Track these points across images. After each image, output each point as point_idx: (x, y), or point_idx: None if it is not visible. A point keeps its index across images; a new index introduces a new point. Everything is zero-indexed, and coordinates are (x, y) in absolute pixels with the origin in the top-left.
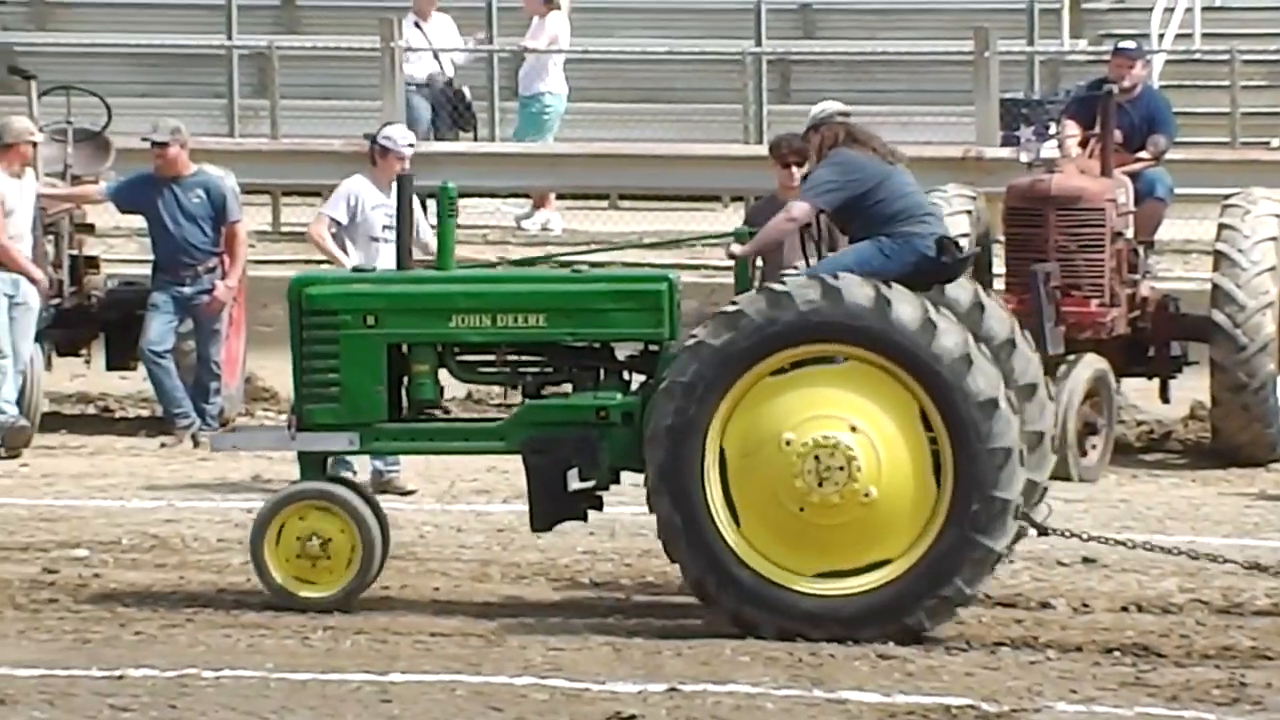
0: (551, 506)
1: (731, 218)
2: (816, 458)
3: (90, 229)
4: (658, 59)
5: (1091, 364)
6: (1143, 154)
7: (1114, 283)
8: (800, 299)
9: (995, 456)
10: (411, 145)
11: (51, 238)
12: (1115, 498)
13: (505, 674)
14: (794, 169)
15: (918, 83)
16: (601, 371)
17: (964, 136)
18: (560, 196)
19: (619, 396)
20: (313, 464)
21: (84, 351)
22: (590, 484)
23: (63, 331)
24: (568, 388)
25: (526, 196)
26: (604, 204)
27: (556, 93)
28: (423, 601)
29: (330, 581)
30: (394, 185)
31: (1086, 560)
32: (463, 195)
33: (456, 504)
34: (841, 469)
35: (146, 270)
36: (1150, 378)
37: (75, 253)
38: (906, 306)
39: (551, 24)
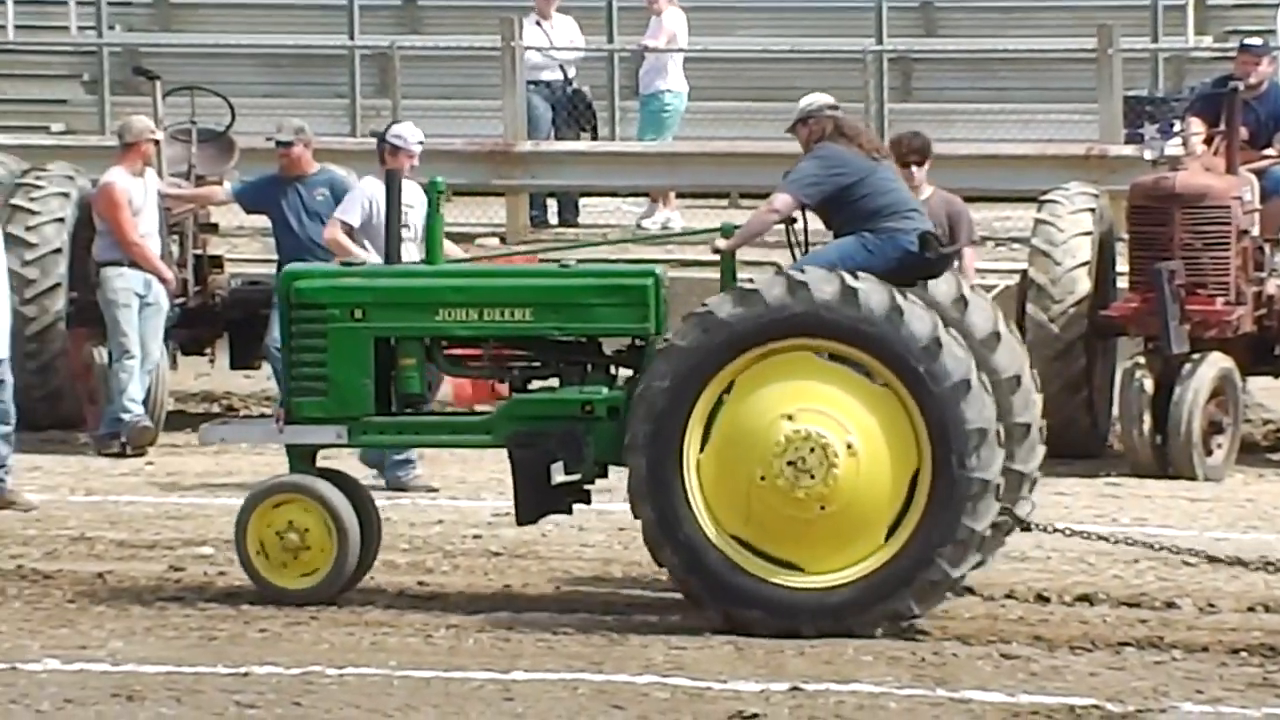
0: (536, 500)
1: None
2: (794, 451)
3: (214, 229)
4: (778, 57)
5: (1216, 363)
6: (1269, 151)
7: (1239, 281)
8: (768, 296)
9: (971, 438)
10: (421, 143)
11: (176, 238)
12: (1241, 497)
13: (627, 672)
14: (914, 168)
15: (1040, 80)
16: (588, 366)
17: (1087, 134)
18: (680, 195)
19: (605, 391)
20: (301, 457)
21: (208, 351)
22: (575, 477)
23: (187, 331)
24: (555, 382)
25: (647, 195)
26: (724, 203)
27: (677, 91)
28: (545, 599)
29: (310, 574)
30: (407, 184)
31: (1211, 560)
32: (583, 195)
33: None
34: (819, 461)
35: (270, 270)
36: (1276, 376)
37: (200, 252)
38: (875, 296)
39: (669, 22)
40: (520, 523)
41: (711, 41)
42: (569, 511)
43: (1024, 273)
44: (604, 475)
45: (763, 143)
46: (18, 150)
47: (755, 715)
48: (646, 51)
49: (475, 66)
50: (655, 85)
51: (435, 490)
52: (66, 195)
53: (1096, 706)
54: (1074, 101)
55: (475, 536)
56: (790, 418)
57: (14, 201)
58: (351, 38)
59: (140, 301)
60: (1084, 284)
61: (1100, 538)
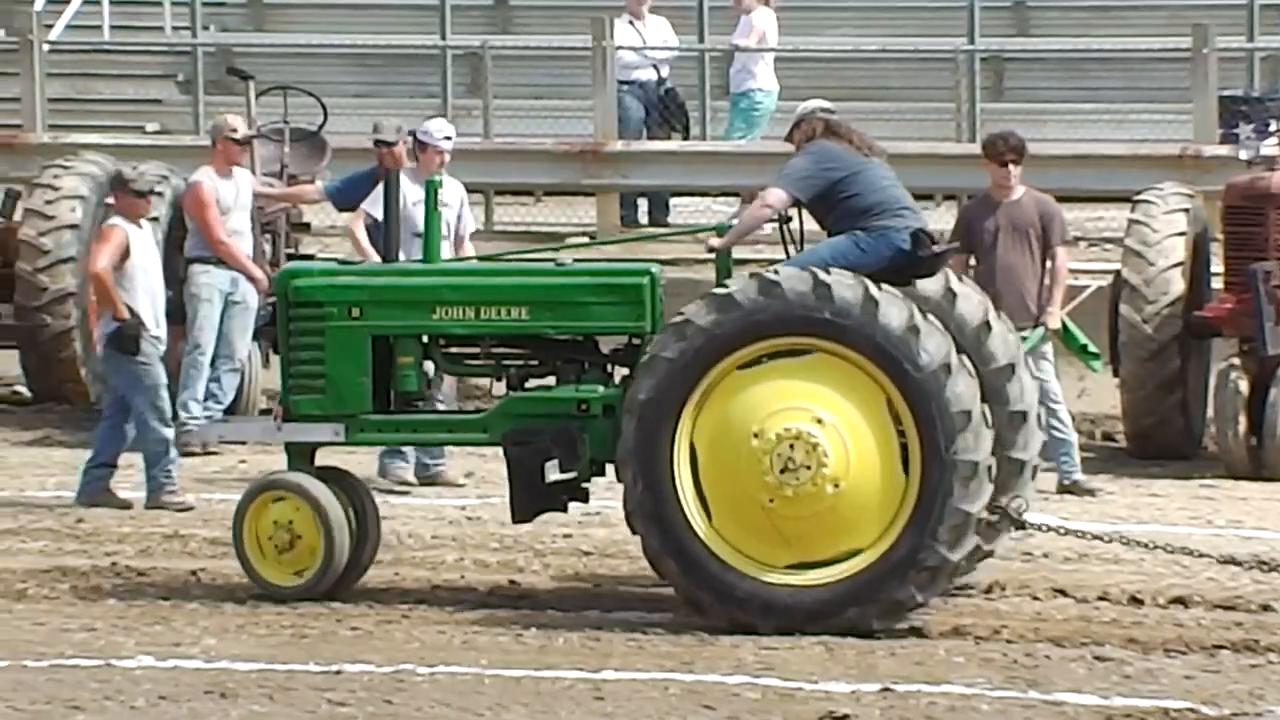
0: (530, 498)
1: (945, 217)
2: (783, 451)
3: (306, 228)
4: (869, 57)
5: None
6: None
7: None
8: (742, 297)
9: (965, 469)
10: (449, 138)
11: (269, 236)
12: None
13: (718, 672)
14: (1009, 167)
15: (1134, 80)
16: (584, 364)
17: (1181, 134)
18: None
19: (600, 389)
20: (299, 454)
21: None
22: (570, 475)
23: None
24: (552, 380)
25: (737, 195)
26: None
27: (767, 90)
28: (635, 599)
29: (301, 571)
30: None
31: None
32: (674, 194)
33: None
34: (808, 463)
35: None
36: None
37: (292, 251)
38: (848, 291)
39: (759, 21)
40: (515, 520)
41: (802, 41)
42: (564, 510)
43: (1117, 273)
44: (600, 473)
45: None
46: (113, 150)
47: (846, 716)
48: (737, 51)
49: (566, 66)
50: (746, 84)
51: (462, 485)
52: (160, 194)
53: (1191, 710)
54: (1168, 101)
55: (565, 536)
56: (758, 435)
57: (110, 201)
58: (443, 37)
59: (227, 300)
60: (1178, 285)
61: (1095, 536)
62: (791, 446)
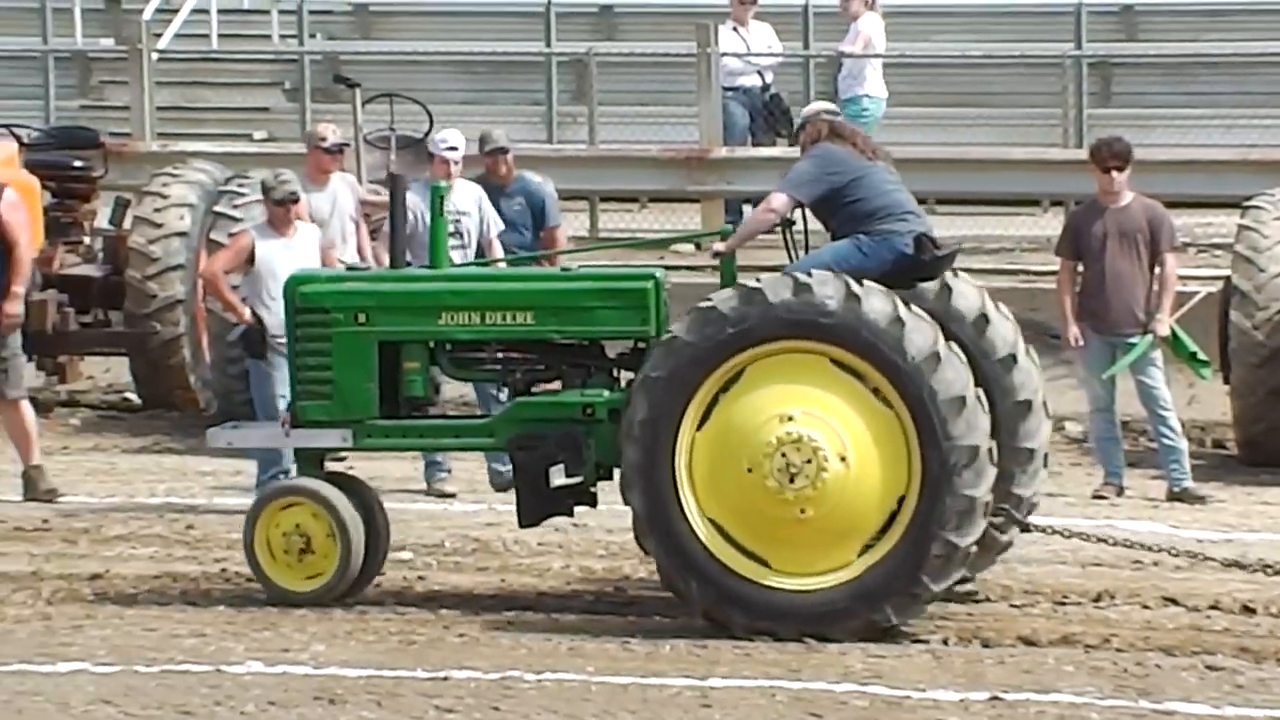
0: (536, 502)
1: (1051, 223)
2: (786, 452)
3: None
4: (976, 62)
5: None
6: None
7: None
8: (725, 308)
9: (964, 454)
10: (455, 148)
11: (376, 242)
12: None
13: (825, 680)
14: (1115, 174)
15: (1244, 84)
16: (590, 369)
17: None
18: None
19: (606, 394)
20: (308, 460)
21: None
22: (576, 480)
23: None
24: (557, 384)
25: None
26: (921, 208)
27: (875, 96)
28: None
29: (314, 577)
30: (453, 190)
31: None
32: None
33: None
34: (809, 466)
35: None
36: None
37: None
38: (829, 290)
39: (866, 27)
40: (522, 525)
41: (909, 46)
42: (570, 514)
43: (1227, 279)
44: (606, 477)
45: (960, 148)
46: (221, 158)
47: None
48: (843, 57)
49: (671, 73)
50: (854, 90)
51: (451, 495)
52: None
53: None
54: (1277, 106)
55: None
56: (791, 419)
57: (218, 208)
58: (548, 45)
59: None
60: None
61: (1100, 540)
62: (793, 452)
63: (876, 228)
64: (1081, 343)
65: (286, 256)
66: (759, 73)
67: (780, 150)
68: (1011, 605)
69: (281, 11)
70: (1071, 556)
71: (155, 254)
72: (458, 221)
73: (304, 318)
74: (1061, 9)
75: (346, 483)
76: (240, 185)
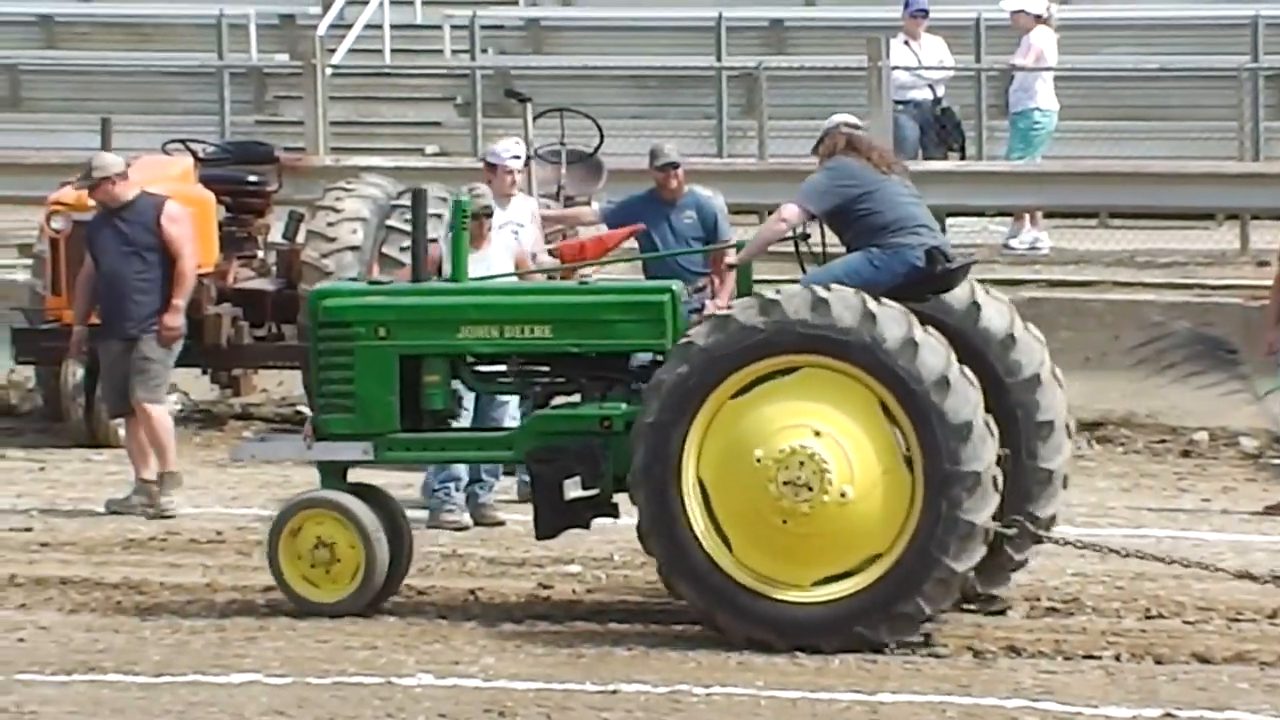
0: (553, 515)
1: (1225, 236)
2: (788, 468)
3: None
4: (1150, 75)
5: None
6: None
7: None
8: (742, 318)
9: (965, 480)
10: (517, 157)
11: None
12: None
13: (995, 696)
14: None
15: None
16: (608, 381)
17: None
18: (1048, 215)
19: (623, 406)
20: (332, 472)
21: None
22: (593, 492)
23: None
24: (577, 397)
25: (1013, 215)
26: (1093, 223)
27: (1047, 109)
28: None
29: (339, 588)
30: (513, 201)
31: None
32: (950, 214)
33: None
34: (814, 476)
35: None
36: None
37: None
38: (846, 307)
39: (1038, 40)
40: (540, 537)
41: (1081, 60)
42: (588, 526)
43: None
44: (622, 490)
45: (1133, 161)
46: (393, 172)
47: None
48: (1014, 70)
49: (841, 86)
50: (1026, 104)
51: (500, 523)
52: (440, 216)
53: None
54: None
55: None
56: (818, 434)
57: (390, 223)
58: (718, 59)
59: None
60: None
61: (1112, 551)
62: (794, 464)
63: (888, 241)
64: (1278, 349)
65: (478, 269)
66: (930, 86)
67: (952, 164)
68: (1185, 622)
69: (454, 27)
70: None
71: (328, 268)
72: (515, 234)
73: (326, 331)
74: (1238, 21)
75: (370, 494)
76: None
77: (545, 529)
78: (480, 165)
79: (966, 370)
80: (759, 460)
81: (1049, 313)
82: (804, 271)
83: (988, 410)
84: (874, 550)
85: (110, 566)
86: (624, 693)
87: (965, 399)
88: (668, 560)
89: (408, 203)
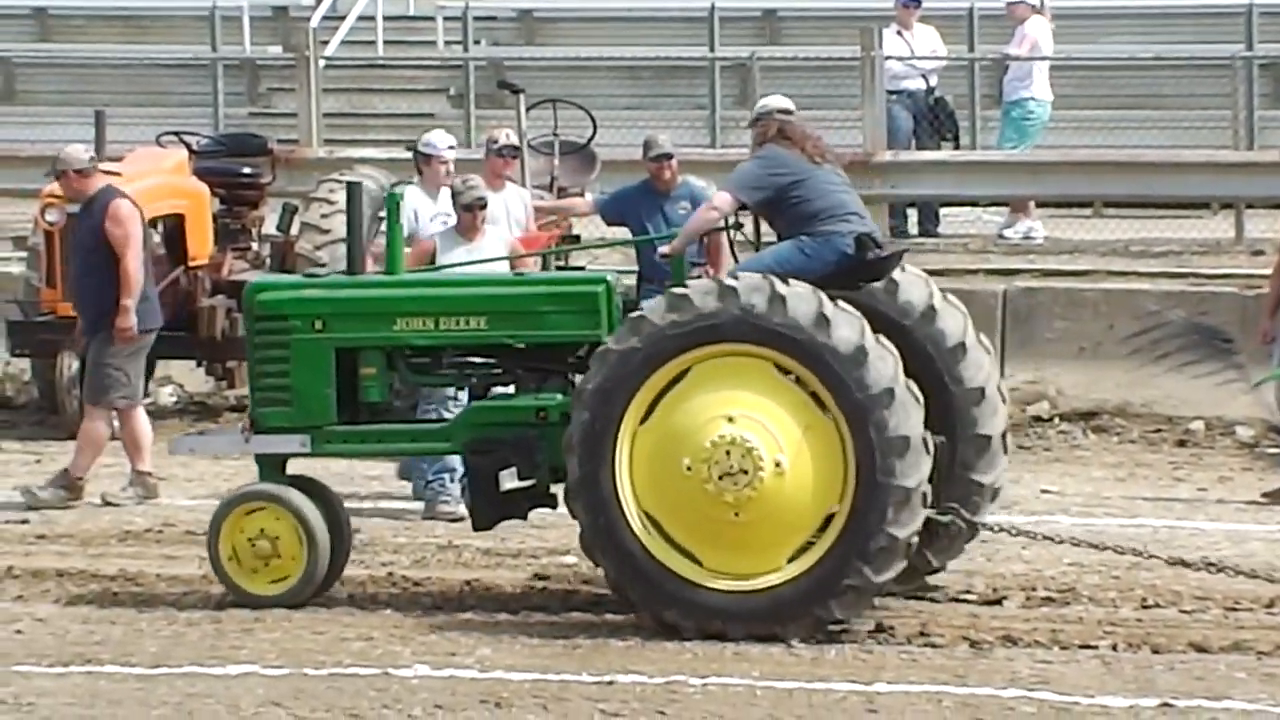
0: (489, 506)
1: (1220, 225)
2: (727, 453)
3: (576, 240)
4: (1145, 64)
5: None
6: None
7: None
8: (654, 317)
9: (895, 445)
10: (452, 148)
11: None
12: None
13: (992, 686)
14: None
15: None
16: (544, 373)
17: None
18: (1042, 205)
19: (559, 397)
20: (270, 465)
21: None
22: (528, 483)
23: None
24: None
25: (1008, 205)
26: (1088, 212)
27: (1042, 99)
28: (907, 613)
29: (281, 581)
30: (442, 192)
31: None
32: (943, 205)
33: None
34: (745, 459)
35: (631, 281)
36: None
37: (562, 264)
38: (802, 305)
39: (1033, 29)
40: (476, 528)
41: (1075, 49)
42: (524, 517)
43: None
44: (559, 480)
45: (1127, 151)
46: (386, 164)
47: None
48: (1008, 60)
49: (835, 76)
50: (1020, 93)
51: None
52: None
53: None
54: None
55: None
56: (731, 420)
57: (383, 214)
58: (712, 49)
59: None
60: None
61: (1047, 538)
62: (724, 455)
63: (819, 229)
64: (1273, 338)
65: (469, 260)
66: (923, 76)
67: (945, 154)
68: (1182, 611)
69: (447, 18)
70: (1244, 562)
71: (322, 260)
72: (446, 225)
73: (262, 325)
74: (1232, 9)
75: (309, 486)
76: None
77: (481, 520)
78: (481, 156)
79: (882, 339)
80: (689, 469)
81: (1044, 302)
82: (736, 260)
83: (918, 384)
84: (829, 505)
85: (107, 559)
86: (620, 683)
87: (884, 366)
88: (591, 527)
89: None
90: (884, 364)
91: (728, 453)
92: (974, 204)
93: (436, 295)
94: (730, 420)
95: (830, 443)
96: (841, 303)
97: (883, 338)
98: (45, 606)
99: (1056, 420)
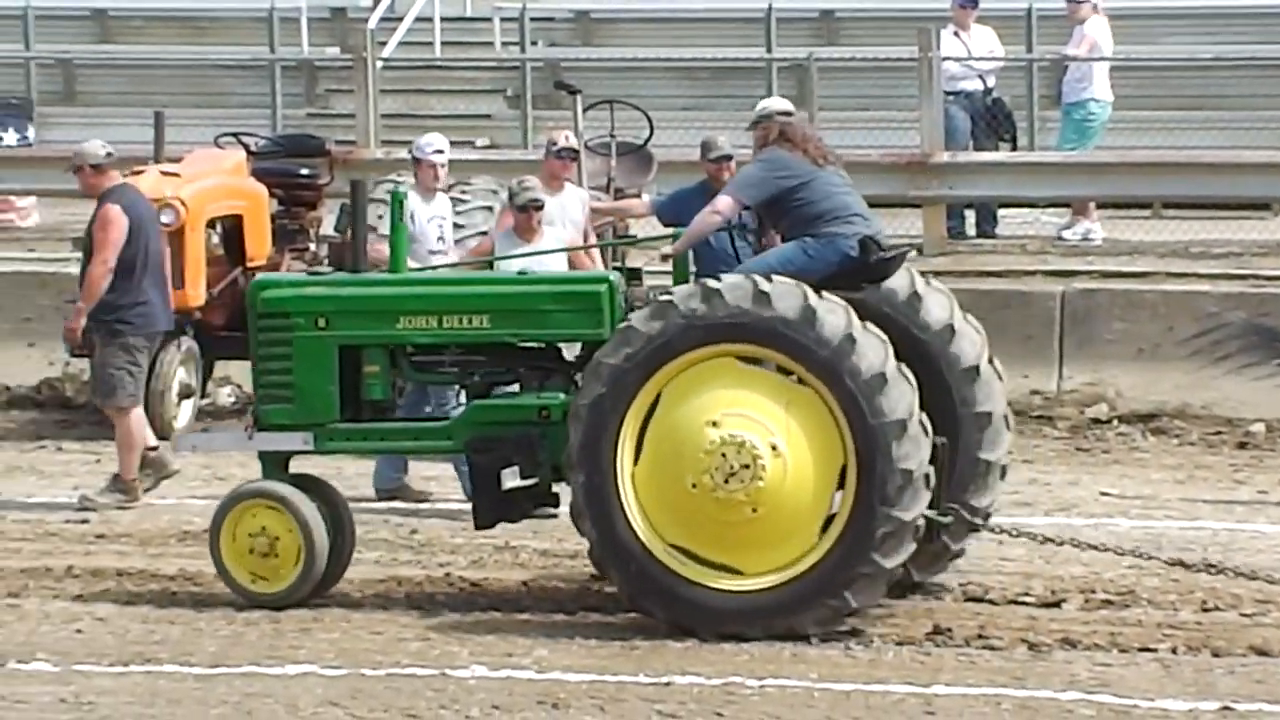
0: (491, 505)
1: None
2: (723, 455)
3: (633, 241)
4: (1205, 65)
5: None
6: None
7: None
8: (641, 326)
9: (891, 430)
10: (440, 151)
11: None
12: None
13: (1051, 689)
14: None
15: None
16: (547, 371)
17: None
18: (1101, 206)
19: (561, 396)
20: (273, 463)
21: None
22: (530, 482)
23: None
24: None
25: (1067, 206)
26: (1147, 213)
27: (1102, 100)
28: (964, 614)
29: (280, 578)
30: (438, 195)
31: None
32: (1002, 206)
33: (997, 515)
34: (747, 467)
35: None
36: None
37: (619, 265)
38: (787, 299)
39: (1092, 30)
40: (478, 527)
41: (1135, 49)
42: (527, 516)
43: None
44: (561, 479)
45: (1188, 151)
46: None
47: None
48: (1067, 61)
49: (892, 77)
50: (1081, 94)
51: (427, 497)
52: (490, 209)
53: None
54: None
55: None
56: (715, 424)
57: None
58: (769, 50)
59: None
60: None
61: (1047, 539)
62: (733, 452)
63: (822, 230)
64: None
65: (528, 263)
66: (981, 77)
67: (1003, 155)
68: (1242, 614)
69: (504, 19)
70: None
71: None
72: (442, 227)
73: (265, 322)
74: None
75: (311, 485)
76: (463, 192)
77: (483, 518)
78: (539, 157)
79: (903, 367)
80: (694, 486)
81: (1103, 304)
82: (739, 261)
83: (927, 400)
84: (836, 465)
85: (166, 558)
86: (677, 684)
87: (901, 396)
88: (598, 542)
89: (459, 195)
90: (902, 394)
91: (724, 455)
92: (1032, 205)
93: (440, 294)
94: (714, 424)
95: (815, 409)
96: (826, 293)
97: (870, 324)
98: (105, 606)
99: (1115, 422)
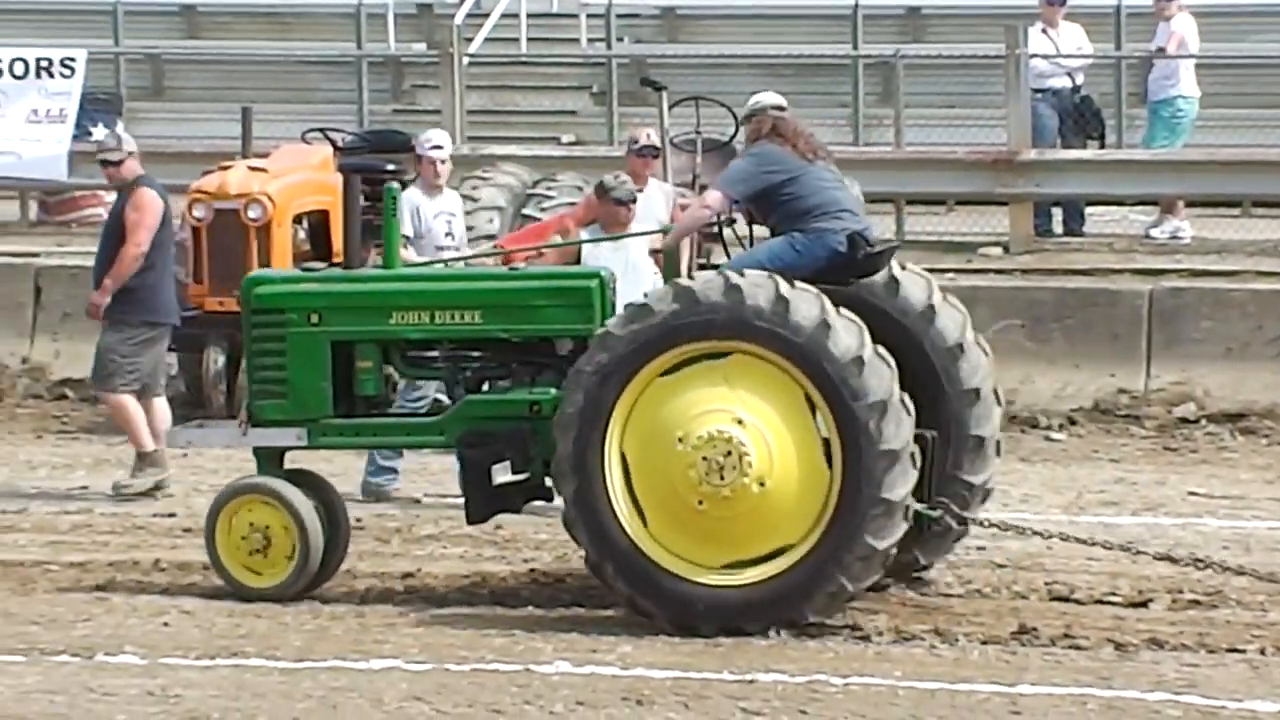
0: (483, 500)
1: None
2: (707, 454)
3: (717, 237)
4: None
5: None
6: None
7: None
8: (656, 305)
9: (884, 458)
10: (439, 147)
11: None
12: None
13: (1137, 689)
14: None
15: None
16: (538, 367)
17: None
18: (1190, 204)
19: (553, 391)
20: (268, 458)
21: None
22: (522, 477)
23: None
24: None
25: (1155, 204)
26: (1236, 212)
27: (1189, 97)
28: (1050, 614)
29: (273, 573)
30: (445, 191)
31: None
32: (1089, 204)
33: (1083, 515)
34: (733, 464)
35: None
36: None
37: (704, 261)
38: (759, 292)
39: (1179, 27)
40: (471, 522)
41: (1223, 47)
42: (519, 510)
43: None
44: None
45: (1275, 149)
46: (529, 161)
47: None
48: (1155, 58)
49: (979, 74)
50: (1168, 91)
51: (417, 501)
52: (574, 205)
53: None
54: None
55: (979, 548)
56: (682, 440)
57: (526, 211)
58: (855, 46)
59: None
60: None
61: (1036, 533)
62: (715, 449)
63: (811, 225)
64: None
65: (614, 257)
66: (1069, 74)
67: (1091, 153)
68: None
69: (590, 15)
70: None
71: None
72: (450, 223)
73: (258, 318)
74: None
75: (307, 480)
76: (548, 188)
77: (475, 513)
78: (623, 154)
79: (880, 349)
80: (680, 441)
81: (1190, 303)
82: (728, 256)
83: (913, 383)
84: (784, 541)
85: None
86: (761, 682)
87: (880, 378)
88: (592, 548)
89: (544, 191)
90: (880, 376)
91: (705, 458)
92: (1119, 203)
93: (432, 290)
94: (739, 422)
95: (818, 488)
96: (845, 310)
97: (880, 348)
98: (191, 600)
99: (1203, 422)
